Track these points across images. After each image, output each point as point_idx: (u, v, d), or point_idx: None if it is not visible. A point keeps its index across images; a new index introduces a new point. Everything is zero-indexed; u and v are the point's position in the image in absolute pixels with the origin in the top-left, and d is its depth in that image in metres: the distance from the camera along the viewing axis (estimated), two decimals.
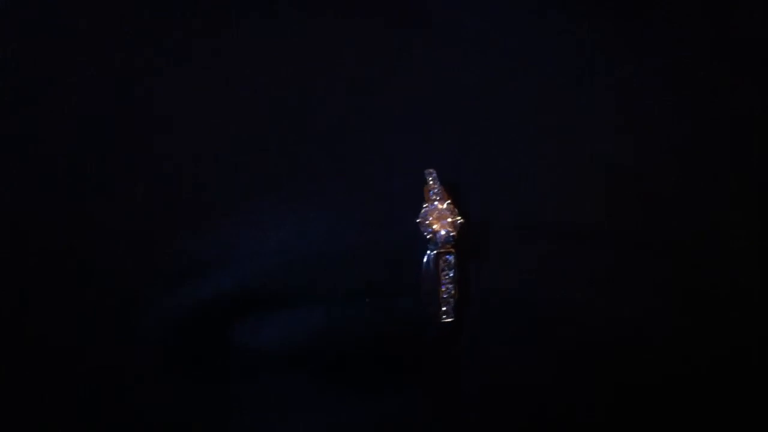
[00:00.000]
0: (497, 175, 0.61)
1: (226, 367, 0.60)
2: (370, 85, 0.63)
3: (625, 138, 0.62)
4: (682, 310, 0.58)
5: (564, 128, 0.62)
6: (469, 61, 0.64)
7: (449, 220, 0.59)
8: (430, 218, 0.59)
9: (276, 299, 0.59)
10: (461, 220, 0.59)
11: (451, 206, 0.59)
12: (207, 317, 0.59)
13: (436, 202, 0.59)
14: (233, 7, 0.66)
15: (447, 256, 0.59)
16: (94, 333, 0.60)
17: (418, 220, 0.59)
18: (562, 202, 0.60)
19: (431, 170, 0.60)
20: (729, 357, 0.59)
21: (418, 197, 0.59)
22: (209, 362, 0.60)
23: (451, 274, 0.58)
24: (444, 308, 0.58)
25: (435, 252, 0.58)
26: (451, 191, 0.60)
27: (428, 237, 0.59)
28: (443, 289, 0.58)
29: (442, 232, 0.59)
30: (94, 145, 0.63)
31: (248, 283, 0.59)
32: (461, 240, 0.59)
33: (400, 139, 0.62)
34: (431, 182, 0.60)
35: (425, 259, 0.58)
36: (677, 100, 0.63)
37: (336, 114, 0.62)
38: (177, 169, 0.62)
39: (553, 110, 0.63)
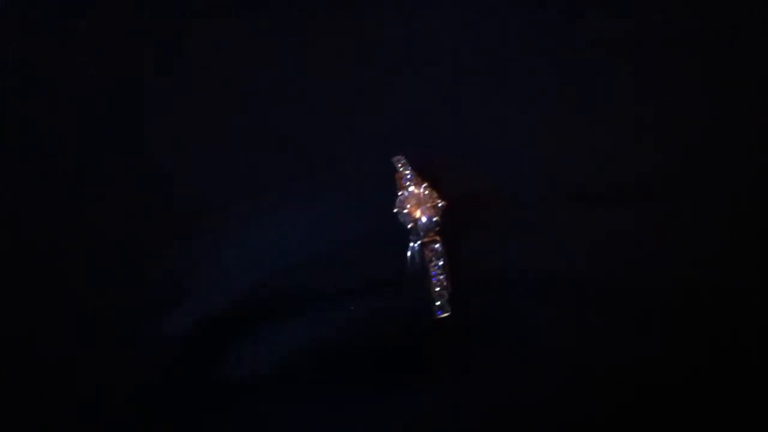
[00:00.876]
0: (475, 154, 0.59)
1: (220, 389, 0.59)
2: (352, 79, 0.63)
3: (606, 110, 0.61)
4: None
5: (536, 99, 0.61)
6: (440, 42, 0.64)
7: (429, 204, 0.55)
8: (408, 206, 0.55)
9: (265, 312, 0.57)
10: (443, 203, 0.55)
11: (430, 189, 0.55)
12: (200, 340, 0.58)
13: (411, 188, 0.55)
14: (231, 7, 0.66)
15: (433, 245, 0.54)
16: (84, 343, 0.59)
17: (395, 210, 0.55)
18: (544, 172, 0.58)
19: (399, 157, 0.57)
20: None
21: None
22: (204, 385, 0.59)
23: (440, 264, 0.54)
24: (438, 303, 0.54)
25: (419, 242, 0.55)
26: (428, 177, 0.56)
27: (409, 227, 0.55)
28: (434, 281, 0.54)
29: (424, 219, 0.54)
30: (93, 146, 0.63)
31: (238, 299, 0.57)
32: (446, 225, 0.55)
33: (385, 134, 0.61)
34: (401, 169, 0.56)
35: (409, 253, 0.55)
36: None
37: (311, 114, 0.62)
38: (165, 173, 0.62)
39: (527, 86, 0.62)
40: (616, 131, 0.62)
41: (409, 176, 0.56)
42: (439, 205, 0.55)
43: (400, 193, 0.55)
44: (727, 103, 0.63)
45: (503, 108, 0.62)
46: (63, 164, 0.63)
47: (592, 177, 0.60)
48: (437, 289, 0.55)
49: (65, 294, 0.60)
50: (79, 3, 0.66)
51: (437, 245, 0.55)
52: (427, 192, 0.55)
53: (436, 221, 0.55)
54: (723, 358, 0.57)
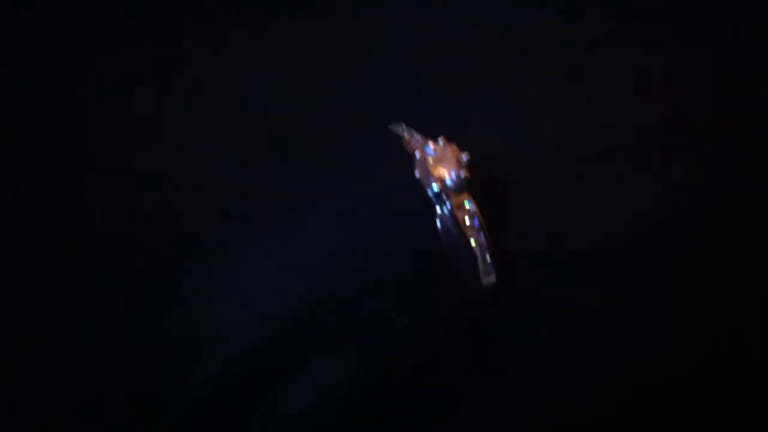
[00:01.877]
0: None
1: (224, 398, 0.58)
2: (352, 79, 0.63)
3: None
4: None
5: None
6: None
7: (453, 160, 0.48)
8: (429, 165, 0.48)
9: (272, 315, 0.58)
10: (467, 157, 0.48)
11: (448, 143, 0.48)
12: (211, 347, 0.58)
13: (428, 146, 0.48)
14: (231, 7, 0.67)
15: (465, 203, 0.47)
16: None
17: (416, 175, 0.49)
18: (544, 172, 0.57)
19: (395, 123, 0.52)
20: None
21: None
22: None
23: (477, 224, 0.47)
24: (482, 268, 0.47)
25: (448, 207, 0.48)
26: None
27: (436, 191, 0.47)
28: (473, 245, 0.47)
29: (451, 175, 0.48)
30: (93, 146, 0.63)
31: (242, 312, 0.57)
32: (475, 181, 0.48)
33: (385, 134, 0.61)
34: (406, 134, 0.51)
35: (438, 221, 0.48)
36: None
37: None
38: (166, 173, 0.62)
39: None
40: (616, 131, 0.62)
41: (417, 138, 0.50)
42: (465, 159, 0.49)
43: (417, 155, 0.49)
44: (727, 103, 0.63)
45: (503, 108, 0.63)
46: (63, 164, 0.63)
47: (593, 176, 0.60)
48: (479, 253, 0.47)
49: (65, 294, 0.60)
50: (80, 3, 0.66)
51: (470, 204, 0.48)
52: (446, 147, 0.49)
53: (465, 177, 0.48)
54: (723, 358, 0.57)
